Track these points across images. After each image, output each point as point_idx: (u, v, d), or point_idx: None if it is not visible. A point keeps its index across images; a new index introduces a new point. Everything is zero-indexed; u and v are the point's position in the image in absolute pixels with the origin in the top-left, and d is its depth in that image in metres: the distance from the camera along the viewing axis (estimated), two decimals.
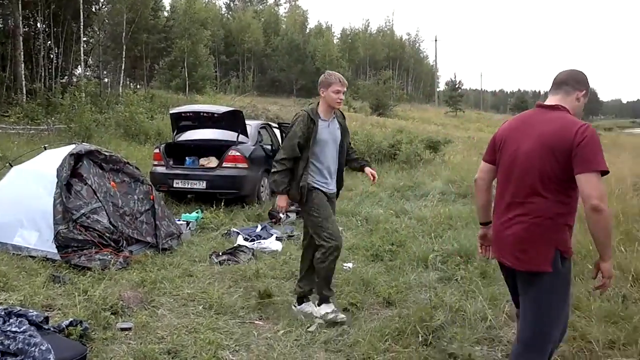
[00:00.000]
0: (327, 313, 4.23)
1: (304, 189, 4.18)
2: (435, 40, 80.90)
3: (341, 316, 4.24)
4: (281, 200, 4.32)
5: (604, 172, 2.55)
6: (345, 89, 4.30)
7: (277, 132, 11.01)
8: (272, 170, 4.28)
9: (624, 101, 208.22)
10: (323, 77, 4.32)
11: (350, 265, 5.69)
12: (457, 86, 63.53)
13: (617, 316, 4.03)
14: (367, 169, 4.60)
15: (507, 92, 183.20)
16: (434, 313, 4.17)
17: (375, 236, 6.73)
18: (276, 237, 6.71)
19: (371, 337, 3.80)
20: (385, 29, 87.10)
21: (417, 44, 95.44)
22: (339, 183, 4.54)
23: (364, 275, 5.24)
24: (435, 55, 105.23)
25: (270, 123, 11.76)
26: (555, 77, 2.89)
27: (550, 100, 2.85)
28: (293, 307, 4.49)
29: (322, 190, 4.27)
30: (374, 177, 4.54)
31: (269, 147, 10.38)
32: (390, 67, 73.97)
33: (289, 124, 4.37)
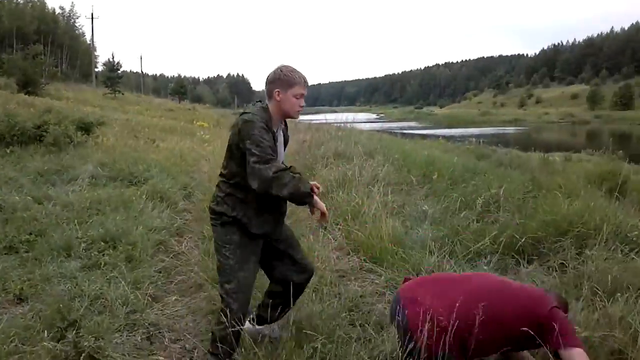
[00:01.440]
0: None
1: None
2: (92, 18, 76.00)
3: None
4: (320, 204, 2.88)
5: None
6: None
7: None
8: (274, 173, 2.77)
9: None
10: (281, 74, 3.03)
11: None
12: (115, 67, 61.39)
13: None
14: None
15: (167, 77, 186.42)
16: (72, 305, 3.88)
17: (11, 226, 5.95)
18: None
19: None
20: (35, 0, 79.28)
21: (72, 20, 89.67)
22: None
23: None
24: (92, 34, 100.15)
25: None
26: None
27: None
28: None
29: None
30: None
31: None
32: (41, 42, 67.41)
33: None
